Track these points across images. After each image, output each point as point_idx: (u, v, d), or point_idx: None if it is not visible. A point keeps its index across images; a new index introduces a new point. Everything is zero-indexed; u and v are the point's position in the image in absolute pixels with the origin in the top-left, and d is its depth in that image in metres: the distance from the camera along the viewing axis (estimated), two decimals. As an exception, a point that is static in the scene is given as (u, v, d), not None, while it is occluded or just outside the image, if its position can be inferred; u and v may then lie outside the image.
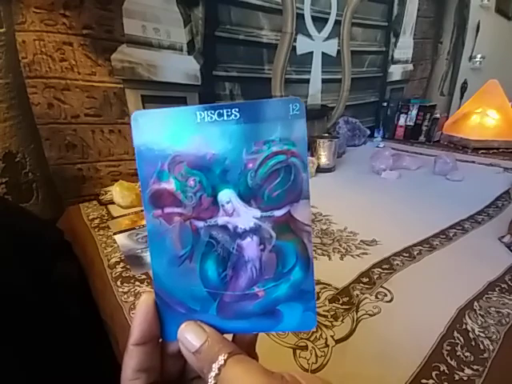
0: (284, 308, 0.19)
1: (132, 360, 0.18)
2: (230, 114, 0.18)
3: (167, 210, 0.18)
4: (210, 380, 0.16)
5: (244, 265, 0.19)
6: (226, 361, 0.16)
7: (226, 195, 0.18)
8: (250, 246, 0.19)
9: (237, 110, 0.18)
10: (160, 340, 0.19)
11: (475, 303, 0.48)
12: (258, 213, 0.18)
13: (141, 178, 0.18)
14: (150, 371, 0.19)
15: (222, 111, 0.18)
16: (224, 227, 0.18)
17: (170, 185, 0.18)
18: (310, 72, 1.37)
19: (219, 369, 0.16)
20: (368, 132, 1.54)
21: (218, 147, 0.18)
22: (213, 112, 0.18)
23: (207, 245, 0.18)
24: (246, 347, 0.19)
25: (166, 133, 0.18)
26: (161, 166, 0.18)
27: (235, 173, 0.18)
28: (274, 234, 0.18)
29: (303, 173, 0.18)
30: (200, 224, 0.18)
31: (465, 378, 0.36)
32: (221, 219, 0.18)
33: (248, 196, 0.18)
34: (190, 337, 0.18)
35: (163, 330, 0.19)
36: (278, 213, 0.18)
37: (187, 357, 0.18)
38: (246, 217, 0.18)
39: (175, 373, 0.21)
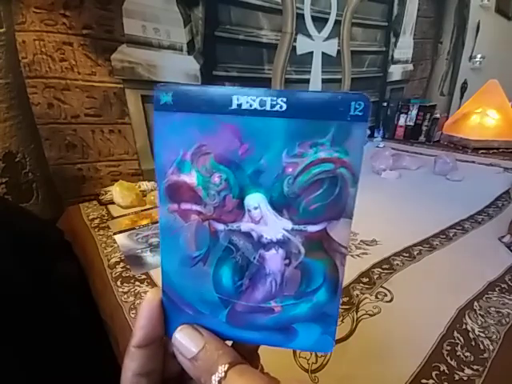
0: (300, 327, 0.17)
1: (133, 363, 0.17)
2: (274, 103, 0.15)
3: (184, 205, 0.16)
4: None
5: (264, 277, 0.17)
6: (226, 372, 0.15)
7: (255, 200, 0.16)
8: (273, 259, 0.17)
9: (284, 100, 0.15)
10: (163, 339, 0.19)
11: (475, 303, 0.48)
12: (290, 225, 0.16)
13: (158, 166, 0.16)
14: (151, 374, 0.18)
15: (265, 99, 0.15)
16: (247, 234, 0.16)
17: (192, 178, 0.16)
18: (309, 72, 1.37)
19: (219, 382, 0.15)
20: (368, 132, 1.54)
21: (253, 142, 0.15)
22: (254, 98, 0.15)
23: (225, 250, 0.17)
24: (247, 353, 0.18)
25: (193, 115, 0.15)
26: (183, 155, 0.15)
27: (270, 176, 0.15)
28: (303, 250, 0.16)
29: (351, 188, 0.15)
30: (220, 227, 0.16)
31: (465, 378, 0.36)
32: (245, 225, 0.16)
33: (281, 205, 0.16)
34: (186, 342, 0.17)
35: (168, 329, 0.18)
36: (313, 228, 0.16)
37: (183, 364, 0.17)
38: (274, 227, 0.16)
39: (175, 372, 0.20)
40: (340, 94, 0.14)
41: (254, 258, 0.17)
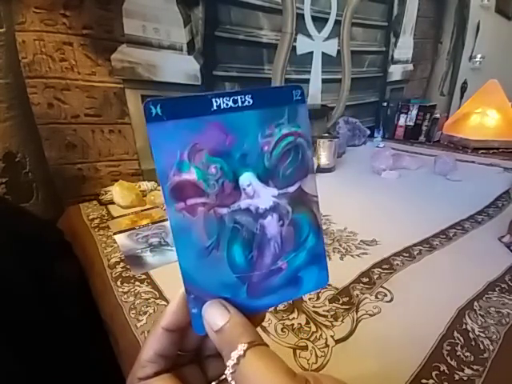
0: (303, 273, 0.21)
1: (158, 343, 0.18)
2: (244, 100, 0.18)
3: (190, 201, 0.18)
4: (228, 368, 0.16)
5: (267, 243, 0.20)
6: (245, 351, 0.16)
7: (247, 178, 0.19)
8: (271, 224, 0.20)
9: (250, 96, 0.18)
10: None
11: (475, 303, 0.48)
12: (276, 191, 0.19)
13: (159, 171, 0.17)
14: (168, 358, 0.19)
15: (236, 98, 0.18)
16: (247, 210, 0.19)
17: (192, 175, 0.17)
18: (309, 72, 1.37)
19: (238, 359, 0.16)
20: (368, 132, 1.54)
21: (235, 133, 0.18)
22: (228, 99, 0.18)
23: (232, 230, 0.19)
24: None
25: (182, 121, 0.17)
26: (180, 156, 0.17)
27: (253, 156, 0.19)
28: (290, 209, 0.20)
29: (308, 151, 0.20)
30: (224, 211, 0.18)
31: (465, 378, 0.36)
32: (243, 202, 0.19)
33: (266, 177, 0.19)
34: (213, 315, 0.18)
35: (195, 323, 0.19)
36: (292, 189, 0.20)
37: (210, 335, 0.18)
38: (265, 197, 0.19)
39: (192, 350, 0.21)
40: (284, 86, 0.19)
41: (257, 229, 0.19)
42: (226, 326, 0.17)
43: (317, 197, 0.20)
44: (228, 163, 0.18)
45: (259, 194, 0.19)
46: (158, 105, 0.17)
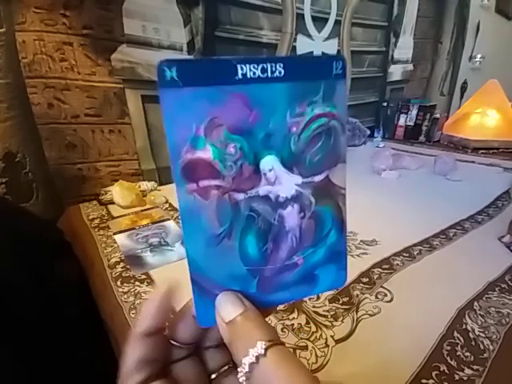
0: (320, 271, 0.19)
1: (139, 350, 0.17)
2: (274, 69, 0.15)
3: (203, 182, 0.16)
4: (243, 365, 0.15)
5: (285, 235, 0.18)
6: (266, 350, 0.14)
7: (269, 162, 0.16)
8: (290, 215, 0.17)
9: (281, 65, 0.15)
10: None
11: (475, 303, 0.48)
12: (300, 179, 0.17)
13: (170, 146, 0.15)
14: (155, 363, 0.18)
15: (265, 66, 0.15)
16: (265, 198, 0.17)
17: (207, 153, 0.15)
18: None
19: (257, 358, 0.14)
20: (368, 132, 1.54)
21: (261, 108, 0.16)
22: (256, 66, 0.15)
23: (247, 219, 0.17)
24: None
25: (201, 89, 0.15)
26: (196, 131, 0.15)
27: (279, 137, 0.16)
28: (313, 200, 0.18)
29: (342, 136, 0.17)
30: (240, 196, 0.16)
31: (465, 378, 0.36)
32: (262, 189, 0.17)
33: (290, 162, 0.17)
34: (227, 305, 0.16)
35: (199, 315, 0.17)
36: (318, 178, 0.17)
37: (221, 327, 0.16)
38: (287, 184, 0.17)
39: (190, 342, 0.19)
40: (323, 56, 0.16)
41: (274, 219, 0.17)
42: (239, 319, 0.16)
43: (345, 189, 0.18)
44: (249, 143, 0.16)
45: (281, 181, 0.17)
46: (173, 67, 0.14)
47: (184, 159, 0.15)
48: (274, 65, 0.15)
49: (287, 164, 0.17)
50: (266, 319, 0.18)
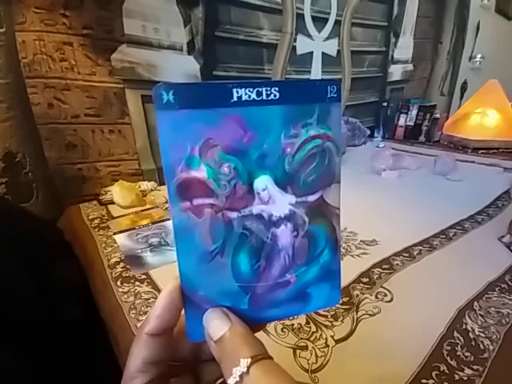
0: (313, 289, 0.19)
1: (145, 350, 0.17)
2: (269, 93, 0.16)
3: (197, 201, 0.16)
4: None
5: (277, 253, 0.18)
6: (249, 368, 0.14)
7: (263, 182, 0.17)
8: (284, 234, 0.18)
9: (277, 89, 0.16)
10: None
11: (475, 303, 0.48)
12: (294, 199, 0.18)
13: (165, 166, 0.16)
14: (160, 363, 0.18)
15: (261, 89, 0.16)
16: (259, 216, 0.17)
17: (202, 172, 0.16)
18: (310, 72, 1.37)
19: (241, 376, 0.14)
20: (368, 132, 1.54)
21: (256, 130, 0.16)
22: (251, 90, 0.16)
23: (240, 237, 0.17)
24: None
25: (197, 111, 0.15)
26: (191, 151, 0.16)
27: (273, 158, 0.17)
28: (307, 220, 0.18)
29: (336, 157, 0.18)
30: (233, 215, 0.17)
31: (465, 378, 0.36)
32: (256, 208, 0.17)
33: (284, 182, 0.17)
34: (214, 324, 0.17)
35: (190, 330, 0.17)
36: (312, 198, 0.18)
37: (210, 346, 0.17)
38: (281, 204, 0.17)
39: (185, 358, 0.19)
40: (317, 80, 0.18)
41: (267, 238, 0.18)
42: (226, 336, 0.16)
43: (339, 209, 0.19)
44: (243, 163, 0.16)
45: (275, 201, 0.17)
46: (170, 90, 0.15)
47: (179, 178, 0.16)
48: (269, 88, 0.16)
49: (281, 184, 0.17)
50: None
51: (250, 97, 0.16)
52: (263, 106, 0.16)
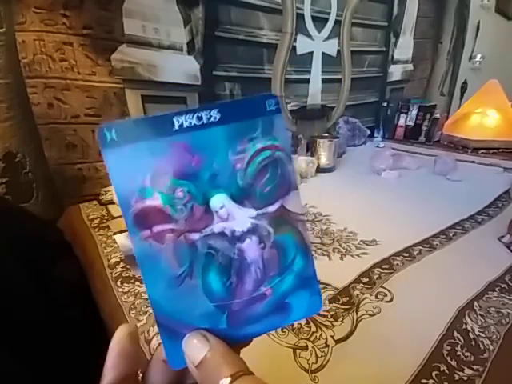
0: (292, 299, 0.19)
1: None
2: (209, 116, 0.17)
3: (157, 228, 0.16)
4: None
5: (247, 268, 0.18)
6: None
7: (219, 200, 0.17)
8: (250, 248, 0.18)
9: (216, 111, 0.17)
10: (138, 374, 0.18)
11: (475, 303, 0.48)
12: (253, 212, 0.18)
13: (120, 199, 0.16)
14: None
15: (200, 114, 0.16)
16: (221, 234, 0.17)
17: (156, 200, 0.16)
18: (309, 72, 1.37)
19: None
20: (368, 132, 1.54)
21: (202, 152, 0.17)
22: (191, 116, 0.16)
23: (206, 256, 0.17)
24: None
25: (141, 144, 0.16)
26: (142, 182, 0.16)
27: (225, 175, 0.17)
28: (271, 230, 0.18)
29: (289, 165, 0.18)
30: (195, 236, 0.17)
31: (465, 378, 0.36)
32: (217, 226, 0.17)
33: (241, 197, 0.18)
34: (193, 348, 0.16)
35: (170, 358, 0.17)
36: (272, 208, 0.18)
37: (192, 371, 0.16)
38: (241, 218, 0.18)
39: (172, 381, 0.19)
40: (255, 96, 0.17)
41: (234, 254, 0.18)
42: (206, 358, 0.16)
43: (303, 215, 0.19)
44: (196, 185, 0.17)
45: (234, 216, 0.17)
46: (112, 129, 0.16)
47: (134, 209, 0.16)
48: (208, 112, 0.17)
49: (237, 199, 0.17)
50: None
51: (190, 123, 0.16)
52: (205, 128, 0.17)
